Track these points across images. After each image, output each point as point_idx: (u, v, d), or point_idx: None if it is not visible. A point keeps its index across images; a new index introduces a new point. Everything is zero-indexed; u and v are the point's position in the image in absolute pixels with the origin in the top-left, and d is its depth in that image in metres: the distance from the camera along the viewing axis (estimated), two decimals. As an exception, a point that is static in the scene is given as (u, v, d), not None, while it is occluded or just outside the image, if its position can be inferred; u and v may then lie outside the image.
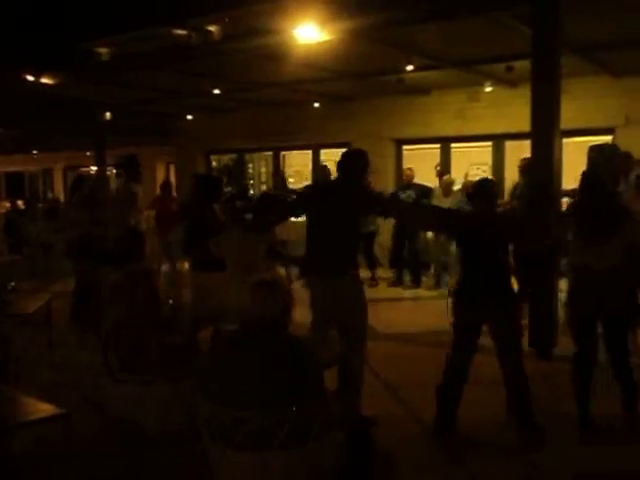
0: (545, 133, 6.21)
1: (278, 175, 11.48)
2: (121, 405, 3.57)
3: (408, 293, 9.93)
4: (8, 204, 16.62)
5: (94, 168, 14.56)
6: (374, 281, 10.19)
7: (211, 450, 3.02)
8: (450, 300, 4.59)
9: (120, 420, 3.54)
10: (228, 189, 14.30)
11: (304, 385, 3.02)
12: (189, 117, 14.47)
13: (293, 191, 11.54)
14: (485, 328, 4.52)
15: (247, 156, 15.71)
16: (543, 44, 6.19)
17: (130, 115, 14.14)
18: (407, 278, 10.29)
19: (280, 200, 5.44)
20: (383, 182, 11.53)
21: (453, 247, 9.46)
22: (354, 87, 11.28)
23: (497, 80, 10.31)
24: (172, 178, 17.59)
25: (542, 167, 6.25)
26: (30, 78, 9.89)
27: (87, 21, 9.47)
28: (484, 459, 4.22)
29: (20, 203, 15.48)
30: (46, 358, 5.86)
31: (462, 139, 11.94)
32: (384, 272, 10.74)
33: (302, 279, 4.91)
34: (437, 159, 12.07)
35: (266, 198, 5.79)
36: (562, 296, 7.79)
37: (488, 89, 10.74)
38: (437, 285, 9.95)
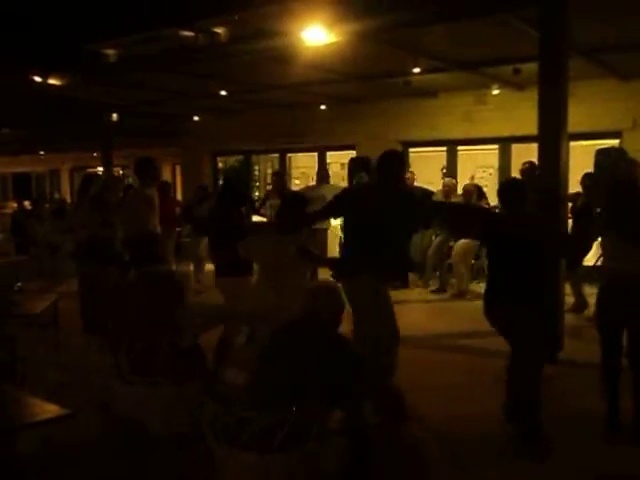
0: (552, 136, 6.19)
1: (278, 176, 11.44)
2: (127, 406, 3.58)
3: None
4: (15, 204, 16.70)
5: (101, 169, 14.59)
6: None
7: (216, 450, 3.02)
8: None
9: (126, 421, 3.55)
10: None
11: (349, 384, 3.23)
12: (196, 118, 14.49)
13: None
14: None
15: (253, 158, 15.72)
16: (550, 47, 6.17)
17: (137, 116, 14.17)
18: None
19: (305, 200, 5.32)
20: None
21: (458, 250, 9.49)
22: (361, 89, 11.28)
23: (504, 83, 10.29)
24: (178, 179, 17.67)
25: (549, 170, 6.23)
26: (37, 79, 9.92)
27: (94, 22, 9.49)
28: (488, 462, 4.21)
29: (27, 203, 15.54)
30: (53, 359, 5.87)
31: (469, 142, 11.93)
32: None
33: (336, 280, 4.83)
34: (443, 162, 12.07)
35: (291, 198, 5.58)
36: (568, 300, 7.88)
37: (495, 92, 10.73)
38: (426, 285, 9.92)
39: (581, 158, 9.14)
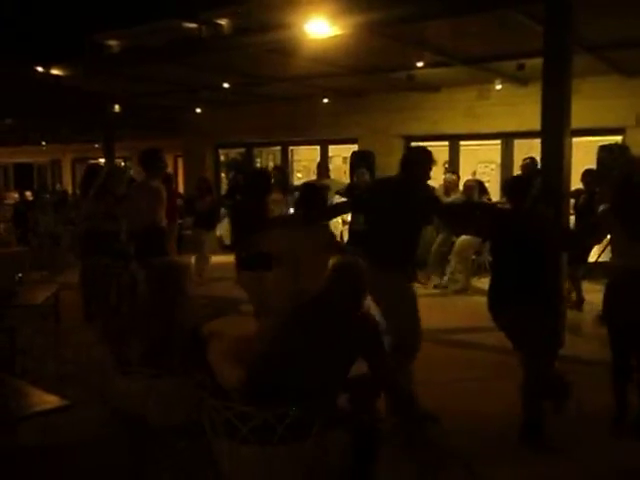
0: (555, 132, 6.17)
1: (279, 170, 11.40)
2: (127, 398, 3.58)
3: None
4: (16, 195, 16.71)
5: (102, 160, 14.58)
6: None
7: (215, 443, 3.03)
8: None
9: (125, 412, 3.55)
10: (234, 184, 14.32)
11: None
12: (198, 110, 14.46)
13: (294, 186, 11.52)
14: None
15: (255, 150, 15.70)
16: (555, 42, 6.14)
17: (139, 108, 14.15)
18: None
19: (324, 192, 5.24)
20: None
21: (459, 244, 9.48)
22: (364, 83, 11.26)
23: (508, 78, 10.27)
24: (180, 171, 17.65)
25: (552, 166, 6.21)
26: (40, 70, 9.91)
27: (98, 14, 9.47)
28: (493, 459, 4.21)
29: (29, 194, 15.54)
30: (53, 349, 5.88)
31: (471, 137, 11.91)
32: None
33: None
34: (446, 157, 12.04)
35: (309, 190, 5.42)
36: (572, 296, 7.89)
37: (498, 87, 10.70)
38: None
39: (584, 154, 9.12)
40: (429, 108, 11.79)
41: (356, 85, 11.52)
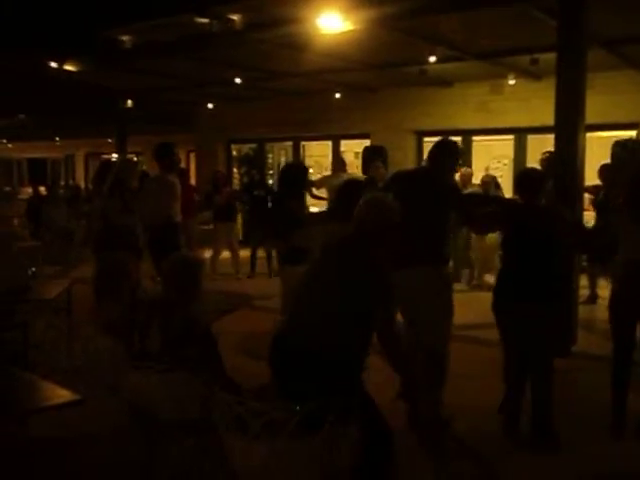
0: (569, 127, 6.13)
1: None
2: (137, 392, 3.59)
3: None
4: (30, 190, 16.80)
5: (115, 155, 14.63)
6: None
7: (226, 439, 3.03)
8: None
9: (136, 407, 3.56)
10: (247, 179, 14.33)
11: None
12: (210, 106, 14.48)
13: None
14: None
15: (267, 146, 15.71)
16: (569, 37, 6.10)
17: (152, 103, 14.19)
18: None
19: (365, 186, 5.15)
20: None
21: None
22: (376, 78, 11.22)
23: (521, 73, 10.19)
24: (192, 166, 17.70)
25: (565, 162, 6.17)
26: (53, 65, 9.95)
27: (110, 9, 9.48)
28: (501, 455, 4.20)
29: (42, 189, 15.61)
30: (65, 343, 5.91)
31: (484, 132, 11.84)
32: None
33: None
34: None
35: (350, 185, 5.24)
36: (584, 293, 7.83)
37: (512, 82, 10.63)
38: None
39: (598, 150, 9.05)
40: (442, 103, 11.74)
41: (368, 80, 11.49)
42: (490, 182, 9.53)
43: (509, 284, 4.43)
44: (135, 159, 19.51)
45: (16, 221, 13.87)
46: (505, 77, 10.53)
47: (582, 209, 6.69)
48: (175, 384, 3.46)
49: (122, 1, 8.88)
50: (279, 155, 16.36)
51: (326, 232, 4.78)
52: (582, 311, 6.92)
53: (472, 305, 8.03)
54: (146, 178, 8.53)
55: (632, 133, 9.78)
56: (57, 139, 22.87)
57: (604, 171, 8.01)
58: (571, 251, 5.50)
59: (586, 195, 8.94)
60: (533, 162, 11.14)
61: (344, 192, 5.04)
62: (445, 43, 8.50)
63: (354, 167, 13.57)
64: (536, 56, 8.69)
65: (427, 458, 4.15)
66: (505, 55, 9.15)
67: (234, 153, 16.04)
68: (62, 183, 22.43)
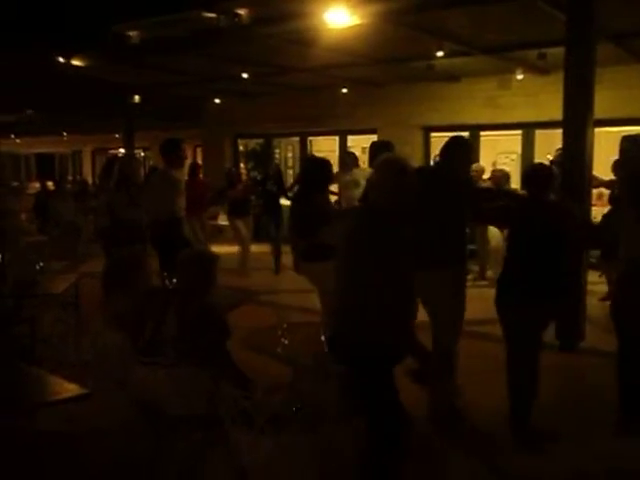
0: (577, 122, 6.09)
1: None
2: (146, 387, 3.60)
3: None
4: (38, 185, 16.84)
5: (122, 150, 14.65)
6: None
7: (233, 433, 3.04)
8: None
9: (143, 401, 3.57)
10: (255, 173, 14.32)
11: None
12: (217, 101, 14.48)
13: None
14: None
15: (274, 141, 15.70)
16: (577, 30, 6.06)
17: (159, 98, 14.20)
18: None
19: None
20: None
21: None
22: (383, 73, 11.20)
23: (529, 67, 10.15)
24: (199, 161, 17.71)
25: (573, 157, 6.14)
26: (61, 60, 9.96)
27: (118, 4, 9.49)
28: (490, 454, 4.20)
29: (50, 184, 15.65)
30: (73, 338, 5.93)
31: (491, 127, 11.81)
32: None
33: None
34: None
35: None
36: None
37: (519, 76, 10.58)
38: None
39: (606, 145, 9.00)
40: (449, 98, 11.70)
41: (375, 75, 11.46)
42: (501, 177, 9.48)
43: (515, 281, 4.36)
44: (142, 154, 19.61)
45: (24, 216, 13.91)
46: (513, 72, 10.48)
47: (590, 204, 6.65)
48: (182, 380, 3.47)
49: (130, -4, 8.89)
50: (286, 150, 16.36)
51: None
52: (595, 307, 6.88)
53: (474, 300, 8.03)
54: (152, 173, 8.55)
55: (641, 128, 9.75)
56: (65, 134, 22.91)
57: (617, 166, 7.97)
58: (580, 247, 5.46)
59: (603, 190, 8.92)
60: (541, 157, 11.10)
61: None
62: (452, 38, 8.47)
63: (361, 163, 13.54)
64: (544, 50, 8.64)
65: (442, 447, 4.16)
66: (513, 49, 9.10)
67: (241, 148, 16.05)
68: (70, 178, 22.51)
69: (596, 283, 7.99)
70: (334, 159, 13.93)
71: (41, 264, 6.66)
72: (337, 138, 14.05)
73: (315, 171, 5.76)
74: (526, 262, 4.30)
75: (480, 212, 4.91)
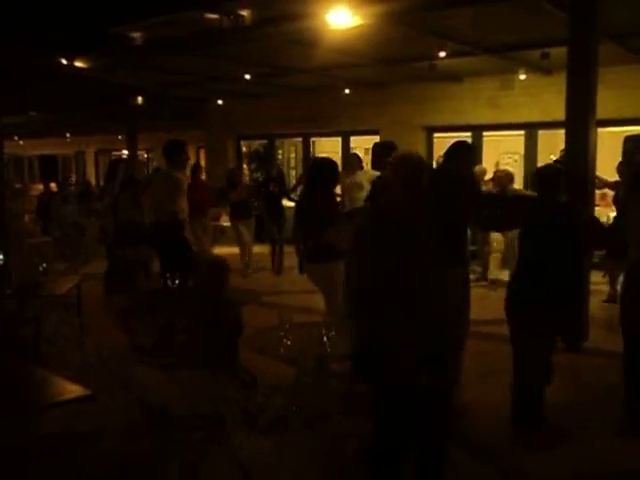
0: (580, 122, 6.08)
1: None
2: (149, 387, 3.61)
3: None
4: (41, 186, 16.86)
5: (125, 152, 14.66)
6: None
7: (234, 433, 3.04)
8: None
9: (147, 402, 3.58)
10: (257, 174, 14.33)
11: None
12: (220, 102, 14.49)
13: None
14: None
15: (277, 142, 15.70)
16: (580, 30, 6.05)
17: (162, 99, 14.21)
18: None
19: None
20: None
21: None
22: (386, 73, 11.18)
23: (532, 67, 10.13)
24: (202, 162, 17.72)
25: (576, 157, 6.13)
26: (64, 62, 9.98)
27: (120, 5, 9.52)
28: (506, 451, 4.19)
29: (53, 186, 15.66)
30: (76, 338, 5.94)
31: (494, 127, 11.78)
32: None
33: None
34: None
35: (381, 183, 5.06)
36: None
37: (522, 77, 10.56)
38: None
39: (609, 145, 8.99)
40: (452, 98, 11.69)
41: (378, 76, 11.45)
42: (504, 177, 9.46)
43: (528, 282, 4.34)
44: (145, 156, 19.62)
45: (27, 217, 13.95)
46: (516, 72, 10.47)
47: (593, 205, 6.65)
48: (188, 383, 3.48)
49: (132, -2, 8.91)
50: (289, 151, 16.35)
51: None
52: (598, 307, 6.86)
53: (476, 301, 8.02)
54: (155, 174, 8.57)
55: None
56: (68, 136, 22.95)
57: (622, 167, 7.96)
58: (589, 247, 5.43)
59: (607, 191, 8.91)
60: (544, 157, 11.10)
61: (375, 190, 4.97)
62: (455, 38, 8.46)
63: (364, 164, 13.53)
64: (547, 50, 8.63)
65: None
66: (515, 49, 9.08)
67: (244, 149, 16.05)
68: (73, 179, 22.53)
69: (598, 283, 7.98)
70: (337, 160, 13.92)
71: (44, 265, 6.68)
72: (340, 139, 14.04)
73: (321, 171, 5.73)
74: (538, 263, 4.29)
75: (492, 219, 4.89)
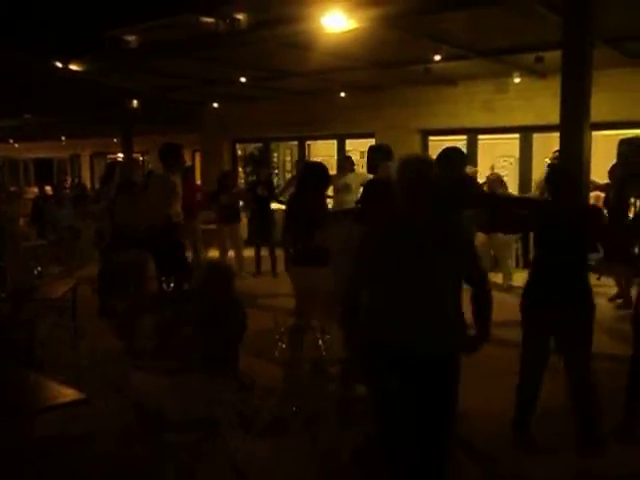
0: (575, 125, 6.10)
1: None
2: (144, 391, 3.60)
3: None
4: (36, 190, 16.83)
5: (121, 155, 14.65)
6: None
7: (230, 437, 3.04)
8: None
9: (142, 406, 3.57)
10: (253, 178, 14.31)
11: None
12: (215, 105, 14.49)
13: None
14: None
15: (272, 145, 15.71)
16: (574, 34, 6.07)
17: (157, 103, 14.20)
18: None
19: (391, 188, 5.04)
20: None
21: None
22: (381, 77, 11.21)
23: (526, 71, 10.16)
24: (197, 165, 17.71)
25: (571, 160, 6.15)
26: (59, 65, 9.97)
27: (115, 8, 9.52)
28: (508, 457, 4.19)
29: (48, 189, 15.63)
30: (71, 342, 5.93)
31: (489, 131, 11.81)
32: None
33: None
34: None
35: (373, 186, 5.06)
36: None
37: (517, 80, 10.60)
38: None
39: (604, 148, 9.01)
40: (446, 102, 11.72)
41: (373, 79, 11.47)
42: (495, 180, 9.50)
43: (544, 284, 4.30)
44: (141, 158, 19.60)
45: (22, 221, 13.90)
46: (510, 75, 10.50)
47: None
48: (186, 388, 3.48)
49: (128, 1, 8.90)
50: (284, 154, 16.37)
51: (341, 233, 4.77)
52: (598, 311, 6.84)
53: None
54: (149, 177, 8.55)
55: (638, 131, 9.75)
56: (63, 139, 22.92)
57: (613, 171, 7.97)
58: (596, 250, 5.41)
59: (599, 193, 8.92)
60: (539, 161, 11.15)
61: (366, 193, 4.96)
62: (449, 41, 8.48)
63: (359, 167, 13.56)
64: (541, 54, 8.66)
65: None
66: (510, 53, 9.12)
67: (239, 152, 16.05)
68: (68, 182, 22.48)
69: (595, 286, 7.96)
70: (332, 163, 13.96)
71: (39, 269, 6.67)
72: (335, 142, 14.05)
73: (312, 174, 5.73)
74: (553, 265, 4.26)
75: (502, 222, 4.89)
